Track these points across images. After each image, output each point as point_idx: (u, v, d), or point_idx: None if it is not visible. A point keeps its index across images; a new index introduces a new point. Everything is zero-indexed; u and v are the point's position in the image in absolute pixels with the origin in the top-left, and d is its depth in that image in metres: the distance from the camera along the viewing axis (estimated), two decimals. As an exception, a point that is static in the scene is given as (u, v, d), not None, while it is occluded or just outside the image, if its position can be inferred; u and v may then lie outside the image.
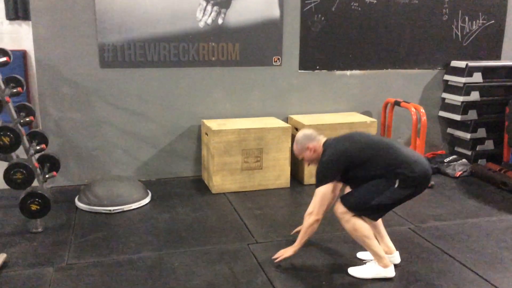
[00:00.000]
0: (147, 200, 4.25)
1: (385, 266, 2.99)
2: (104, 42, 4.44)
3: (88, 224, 3.81)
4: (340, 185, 3.17)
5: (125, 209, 4.04)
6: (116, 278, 3.01)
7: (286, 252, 3.14)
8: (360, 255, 3.25)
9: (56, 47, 4.36)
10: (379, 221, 3.17)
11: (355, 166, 2.96)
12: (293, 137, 4.71)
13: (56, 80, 4.43)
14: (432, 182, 4.75)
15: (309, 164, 3.22)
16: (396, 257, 3.19)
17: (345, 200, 2.98)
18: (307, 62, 5.07)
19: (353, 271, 3.06)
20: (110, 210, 4.00)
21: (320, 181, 2.97)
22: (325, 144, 3.09)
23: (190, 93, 4.80)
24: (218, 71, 4.82)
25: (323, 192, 2.95)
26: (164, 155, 4.87)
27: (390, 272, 3.01)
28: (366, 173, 2.94)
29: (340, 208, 2.97)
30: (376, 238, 3.07)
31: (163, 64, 4.65)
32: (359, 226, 2.94)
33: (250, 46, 4.84)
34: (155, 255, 3.32)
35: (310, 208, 2.99)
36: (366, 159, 2.94)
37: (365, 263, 3.13)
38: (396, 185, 2.86)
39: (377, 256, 3.00)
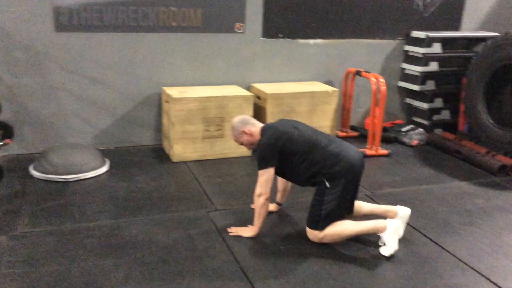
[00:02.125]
0: (104, 168, 4.19)
1: (384, 229, 3.02)
2: (59, 5, 4.25)
3: (43, 192, 3.72)
4: None
5: (81, 178, 3.97)
6: (72, 246, 2.97)
7: (243, 232, 3.18)
8: (382, 249, 3.08)
9: (7, 9, 4.16)
10: (359, 205, 3.25)
11: (289, 153, 3.02)
12: (255, 105, 4.73)
13: (8, 44, 4.24)
14: (389, 150, 4.86)
15: (250, 149, 3.27)
16: (402, 210, 3.22)
17: (307, 223, 3.09)
18: (270, 29, 5.02)
19: (383, 251, 3.03)
20: (66, 178, 3.92)
21: (261, 164, 3.03)
22: (263, 127, 3.16)
23: (149, 59, 4.70)
24: (179, 37, 4.72)
25: (266, 174, 3.02)
26: (123, 123, 4.78)
27: (393, 224, 3.02)
28: (300, 168, 3.03)
29: (310, 234, 3.08)
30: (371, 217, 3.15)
31: (121, 28, 4.51)
32: (332, 232, 3.01)
33: (212, 12, 4.74)
34: (112, 223, 3.28)
35: (258, 190, 3.05)
36: (301, 151, 3.01)
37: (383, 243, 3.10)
38: (328, 185, 2.96)
39: (375, 229, 3.06)
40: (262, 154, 3.05)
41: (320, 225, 3.02)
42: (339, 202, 2.98)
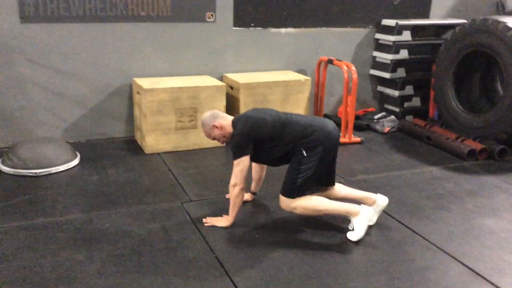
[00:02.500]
0: (75, 162, 4.11)
1: (357, 214, 3.03)
2: (23, -5, 4.15)
3: (12, 187, 3.64)
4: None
5: (52, 172, 3.89)
6: (43, 241, 2.92)
7: (218, 222, 3.17)
8: (350, 234, 3.09)
9: (-32, -1, 4.03)
10: (340, 187, 3.29)
11: (264, 139, 3.03)
12: (227, 95, 4.71)
13: (-29, 36, 4.12)
14: (362, 138, 4.92)
15: (222, 142, 3.26)
16: (381, 199, 3.25)
17: (281, 190, 3.08)
18: (242, 19, 4.99)
19: (350, 235, 3.05)
20: (36, 173, 3.84)
21: (235, 154, 3.04)
22: (234, 119, 3.16)
23: (119, 50, 4.62)
24: (149, 27, 4.65)
25: (241, 164, 3.02)
26: (94, 116, 4.70)
27: (366, 212, 3.04)
28: (275, 151, 3.05)
29: (282, 203, 3.07)
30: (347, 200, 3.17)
31: (89, 19, 4.41)
32: (305, 204, 3.02)
33: (181, 1, 4.68)
34: (84, 216, 3.24)
35: (233, 180, 3.05)
36: (275, 134, 3.03)
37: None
38: (305, 154, 2.97)
39: (347, 212, 3.07)
40: (236, 143, 3.04)
41: (295, 193, 3.02)
42: (315, 171, 2.99)
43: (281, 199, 3.09)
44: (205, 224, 3.17)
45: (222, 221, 3.17)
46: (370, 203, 3.22)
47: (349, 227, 3.08)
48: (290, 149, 3.02)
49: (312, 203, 3.04)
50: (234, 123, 3.13)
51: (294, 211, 3.06)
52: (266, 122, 3.05)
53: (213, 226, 3.14)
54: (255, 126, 3.02)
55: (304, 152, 2.97)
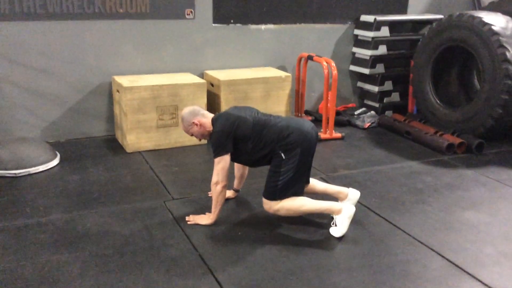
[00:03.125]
0: (55, 162, 4.06)
1: (339, 212, 3.05)
2: (-2, -8, 4.07)
3: (-9, 189, 3.58)
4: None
5: (31, 172, 3.84)
6: (23, 242, 2.88)
7: (200, 220, 3.17)
8: (333, 229, 3.12)
9: None
10: (314, 182, 3.31)
11: (243, 139, 3.03)
12: (208, 92, 4.69)
13: None
14: (343, 134, 4.96)
15: (200, 139, 3.25)
16: (353, 192, 3.29)
17: (264, 193, 3.10)
18: (221, 15, 4.98)
19: (334, 231, 3.07)
20: (15, 173, 3.78)
21: (216, 151, 3.03)
22: (214, 117, 3.15)
23: (97, 48, 4.56)
24: (127, 24, 4.61)
25: (222, 161, 3.01)
26: (73, 114, 4.64)
27: (348, 210, 3.05)
28: (254, 153, 3.06)
29: (265, 205, 3.10)
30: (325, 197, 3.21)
31: (66, 16, 4.35)
32: (288, 205, 3.04)
33: (160, -2, 4.65)
34: (65, 217, 3.20)
35: (214, 178, 3.04)
36: (254, 135, 3.04)
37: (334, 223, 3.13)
38: (283, 157, 2.99)
39: (329, 210, 3.09)
40: (217, 141, 3.04)
41: (277, 196, 3.04)
42: (295, 172, 3.00)
43: (264, 202, 3.11)
44: (188, 223, 3.16)
45: (205, 219, 3.17)
46: (343, 197, 3.27)
47: (332, 224, 3.11)
48: (268, 151, 3.04)
49: (295, 203, 3.06)
50: (214, 121, 3.11)
51: (277, 213, 3.08)
52: (246, 121, 3.05)
53: (196, 224, 3.14)
54: (236, 124, 3.02)
55: (282, 154, 2.99)
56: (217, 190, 3.05)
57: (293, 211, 3.08)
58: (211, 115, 3.18)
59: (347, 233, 3.06)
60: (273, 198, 3.05)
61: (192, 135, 3.22)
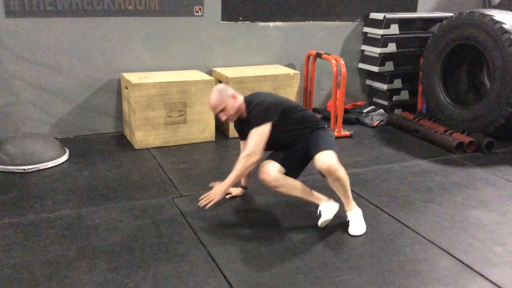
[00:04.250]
0: (64, 158, 4.07)
1: (350, 209, 3.12)
2: (8, -11, 4.08)
3: (0, 184, 3.59)
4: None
5: (40, 168, 3.85)
6: (33, 238, 2.89)
7: (215, 195, 3.01)
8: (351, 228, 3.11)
9: (-48, -7, 3.96)
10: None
11: (285, 115, 3.08)
12: (216, 89, 4.69)
13: (-45, 31, 4.05)
14: (351, 132, 4.94)
15: (226, 118, 3.11)
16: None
17: (325, 148, 3.01)
18: (230, 13, 4.97)
19: (354, 231, 3.06)
20: (24, 169, 3.80)
21: (260, 121, 2.98)
22: (247, 97, 3.15)
23: (106, 44, 4.57)
24: (136, 21, 4.61)
25: (263, 131, 2.97)
26: (82, 111, 4.65)
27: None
28: (292, 127, 3.12)
29: (329, 160, 2.95)
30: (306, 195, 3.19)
31: (76, 13, 4.36)
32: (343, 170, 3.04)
33: (169, -5, 4.65)
34: (74, 213, 3.21)
35: (250, 149, 2.95)
36: (292, 109, 3.12)
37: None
38: (329, 128, 3.24)
39: (348, 199, 3.11)
40: (262, 109, 3.00)
41: (335, 147, 3.09)
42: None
43: (327, 156, 2.95)
44: (205, 206, 3.01)
45: (218, 192, 3.01)
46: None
47: (347, 222, 3.11)
48: (310, 126, 3.15)
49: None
50: (248, 99, 3.12)
51: (336, 172, 2.94)
52: (281, 99, 3.16)
53: (202, 220, 3.13)
54: (280, 97, 3.14)
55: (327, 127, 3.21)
56: (249, 161, 2.95)
57: (347, 181, 3.01)
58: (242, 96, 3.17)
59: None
60: (335, 151, 3.02)
61: (221, 110, 3.06)
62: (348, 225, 3.08)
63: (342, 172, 2.98)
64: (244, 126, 3.18)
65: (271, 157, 3.15)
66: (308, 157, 3.15)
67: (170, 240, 2.92)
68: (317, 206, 3.14)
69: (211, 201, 3.01)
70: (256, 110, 3.03)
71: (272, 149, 3.21)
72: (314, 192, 3.18)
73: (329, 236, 3.03)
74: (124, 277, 2.55)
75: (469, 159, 4.41)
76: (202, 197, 3.07)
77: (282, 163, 3.11)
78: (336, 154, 3.04)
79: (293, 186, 3.10)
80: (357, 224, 3.06)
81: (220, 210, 3.28)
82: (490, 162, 4.35)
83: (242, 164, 2.99)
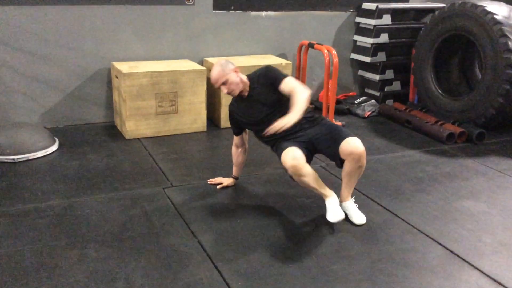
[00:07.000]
0: (54, 147, 4.04)
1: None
2: (-5, -24, 4.02)
3: (-11, 174, 3.57)
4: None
5: (30, 158, 3.82)
6: (22, 228, 2.87)
7: (287, 123, 2.78)
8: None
9: None
10: None
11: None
12: (208, 80, 4.65)
13: None
14: (343, 122, 4.94)
15: (227, 91, 3.04)
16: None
17: (349, 134, 2.97)
18: (222, 1, 4.93)
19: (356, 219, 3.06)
20: (13, 159, 3.76)
21: (282, 75, 3.01)
22: (249, 76, 3.13)
23: (96, 33, 4.52)
24: (126, 9, 4.56)
25: (292, 78, 3.01)
26: (72, 100, 4.61)
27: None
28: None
29: (358, 142, 2.91)
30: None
31: (65, 1, 4.31)
32: None
33: (160, -17, 4.60)
34: (64, 202, 3.19)
35: (300, 88, 2.91)
36: None
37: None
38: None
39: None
40: (275, 69, 3.07)
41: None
42: None
43: (358, 143, 2.90)
44: (279, 129, 2.80)
45: (290, 120, 2.79)
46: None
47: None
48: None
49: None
50: (251, 76, 3.12)
51: (363, 159, 2.93)
52: None
53: (196, 210, 3.12)
54: None
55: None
56: (308, 93, 2.92)
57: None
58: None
59: (346, 222, 3.06)
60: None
61: (223, 84, 3.02)
62: (349, 215, 3.08)
63: (365, 161, 2.98)
64: (244, 107, 3.14)
65: (294, 144, 2.96)
66: (314, 149, 3.08)
67: (160, 230, 2.91)
68: (321, 198, 3.08)
69: (280, 127, 2.79)
70: (268, 73, 3.05)
71: (273, 136, 3.04)
72: (325, 185, 3.07)
73: (319, 226, 3.03)
74: (114, 267, 2.54)
75: (460, 149, 4.43)
76: (274, 125, 2.81)
77: (303, 152, 2.97)
78: None
79: (314, 177, 2.96)
80: (359, 213, 3.07)
81: (211, 200, 3.28)
82: (481, 152, 4.37)
83: (303, 95, 2.88)
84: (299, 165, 2.87)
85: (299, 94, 2.90)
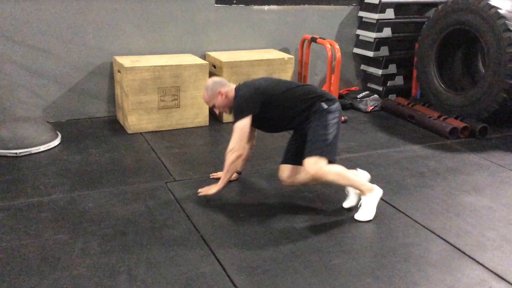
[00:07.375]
0: (56, 142, 4.04)
1: (371, 190, 3.03)
2: (-3, -31, 4.01)
3: (-9, 168, 3.57)
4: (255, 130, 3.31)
5: (32, 152, 3.82)
6: (26, 222, 2.87)
7: (210, 190, 3.16)
8: (346, 204, 3.18)
9: None
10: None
11: (271, 102, 3.02)
12: (210, 74, 4.65)
13: None
14: (345, 117, 4.93)
15: (219, 112, 3.24)
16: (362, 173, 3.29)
17: (309, 152, 2.90)
18: (224, -4, 4.92)
19: (359, 216, 3.03)
20: (16, 153, 3.76)
21: (238, 116, 3.00)
22: (237, 87, 3.14)
23: (99, 27, 4.51)
24: (128, 3, 4.55)
25: (242, 126, 2.98)
26: (74, 95, 4.61)
27: (378, 191, 3.06)
28: (285, 112, 3.04)
29: (314, 165, 2.86)
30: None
31: (68, -5, 4.30)
32: (337, 170, 2.93)
33: (162, -23, 4.59)
34: (67, 197, 3.19)
35: (231, 145, 3.01)
36: (281, 93, 3.04)
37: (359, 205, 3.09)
38: (325, 106, 2.98)
39: (361, 187, 3.03)
40: (240, 104, 3.02)
41: (326, 153, 2.88)
42: (337, 132, 3.02)
43: (310, 162, 2.87)
44: (199, 194, 3.18)
45: (213, 189, 3.16)
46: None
47: (358, 206, 3.08)
48: (307, 106, 3.01)
49: (343, 170, 2.95)
50: (237, 89, 3.11)
51: (324, 177, 2.89)
52: (271, 82, 3.11)
53: (197, 206, 3.13)
54: (262, 87, 3.04)
55: (324, 104, 2.99)
56: (231, 157, 3.02)
57: (342, 177, 2.93)
58: (234, 85, 3.17)
59: (348, 216, 3.05)
60: (323, 154, 2.87)
61: (213, 106, 3.18)
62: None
63: (331, 177, 2.91)
64: None
65: (284, 161, 3.16)
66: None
67: (163, 224, 2.91)
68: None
69: (206, 193, 3.19)
70: (235, 104, 3.07)
71: (285, 128, 3.22)
72: (359, 178, 3.13)
73: (322, 220, 3.03)
74: (117, 261, 2.55)
75: (463, 144, 4.42)
76: (201, 189, 3.21)
77: (295, 160, 3.11)
78: (328, 147, 2.92)
79: (345, 173, 2.97)
80: (363, 211, 3.04)
81: (214, 195, 3.27)
82: (484, 147, 4.36)
83: (227, 160, 3.07)
84: (297, 179, 3.11)
85: (227, 162, 3.05)
